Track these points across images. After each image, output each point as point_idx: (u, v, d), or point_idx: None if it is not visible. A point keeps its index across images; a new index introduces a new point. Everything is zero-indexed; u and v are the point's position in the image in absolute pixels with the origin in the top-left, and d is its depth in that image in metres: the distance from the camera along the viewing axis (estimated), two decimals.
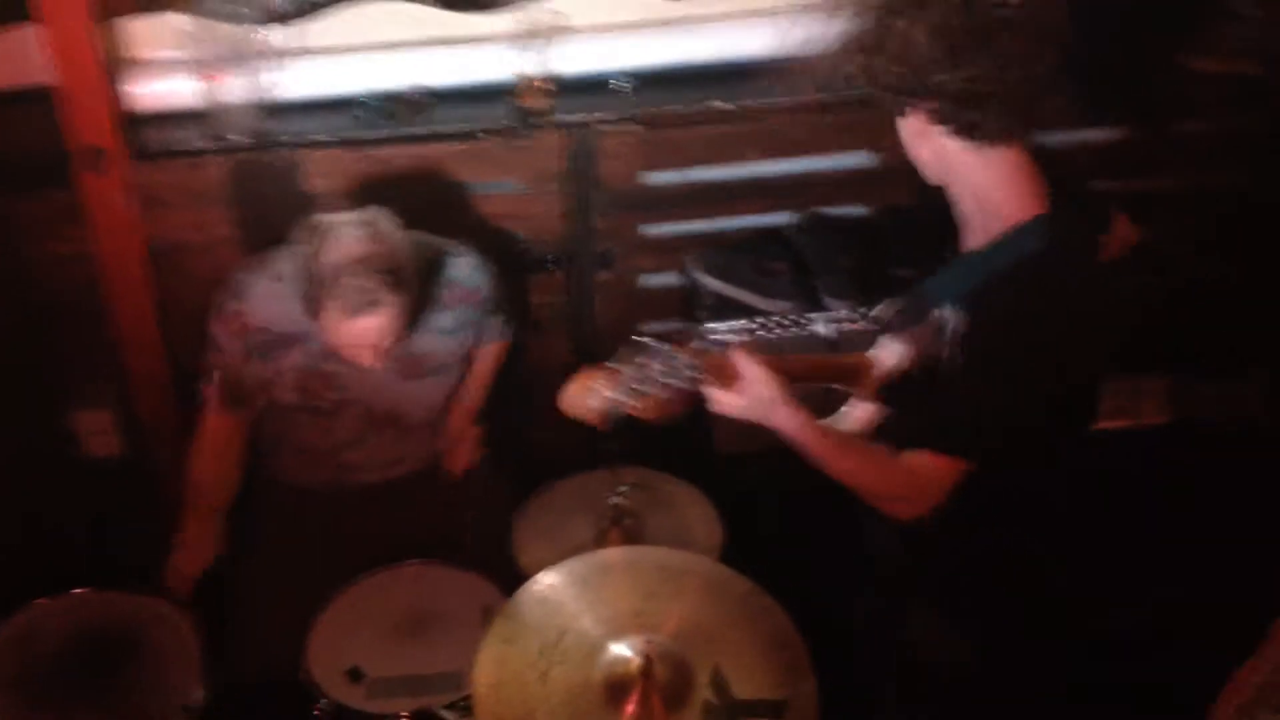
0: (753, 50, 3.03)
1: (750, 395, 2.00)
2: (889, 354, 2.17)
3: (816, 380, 2.22)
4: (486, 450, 2.90)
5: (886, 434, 2.14)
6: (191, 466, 2.66)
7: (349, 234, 2.34)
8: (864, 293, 2.96)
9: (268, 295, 2.53)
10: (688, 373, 1.93)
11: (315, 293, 2.35)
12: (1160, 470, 2.97)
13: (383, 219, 2.39)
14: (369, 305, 2.34)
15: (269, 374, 2.59)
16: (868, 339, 2.94)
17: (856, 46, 1.96)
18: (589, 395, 1.97)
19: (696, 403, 2.01)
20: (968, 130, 1.93)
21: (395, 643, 2.40)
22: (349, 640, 2.40)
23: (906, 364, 2.15)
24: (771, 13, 3.02)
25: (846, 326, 2.97)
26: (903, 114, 1.99)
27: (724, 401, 2.01)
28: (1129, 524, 2.61)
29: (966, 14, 1.88)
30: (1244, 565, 2.79)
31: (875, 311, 2.25)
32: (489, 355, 2.85)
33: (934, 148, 1.99)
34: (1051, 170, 2.03)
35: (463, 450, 2.82)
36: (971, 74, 1.88)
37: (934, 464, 1.97)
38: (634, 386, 1.93)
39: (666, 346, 1.94)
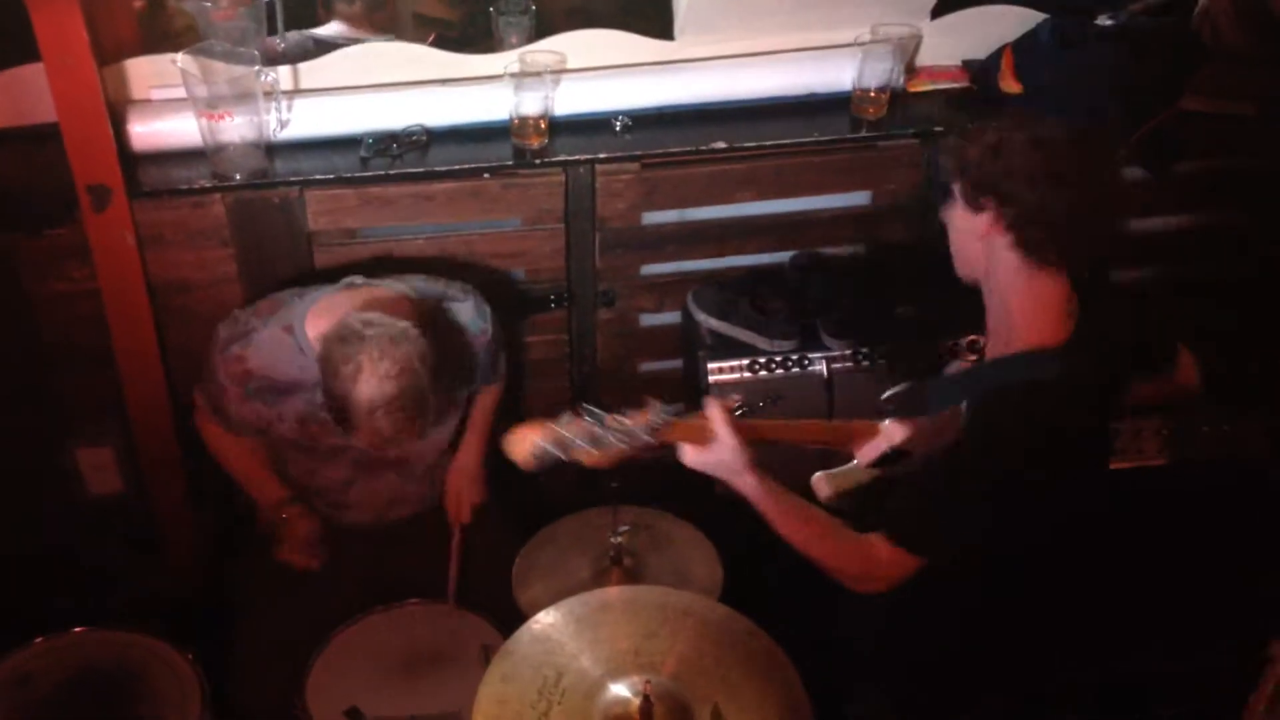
0: (749, 91, 3.06)
1: (717, 456, 2.10)
2: (895, 431, 2.20)
3: (807, 443, 2.25)
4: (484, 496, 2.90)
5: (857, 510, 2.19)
6: (229, 463, 2.73)
7: (378, 371, 2.33)
8: (862, 332, 2.97)
9: (274, 344, 2.54)
10: (644, 437, 2.05)
11: (346, 418, 2.38)
12: (1160, 512, 2.98)
13: (408, 341, 2.38)
14: (398, 436, 2.40)
15: (269, 416, 2.60)
16: (863, 379, 2.97)
17: (962, 137, 2.07)
18: (529, 450, 2.06)
19: (653, 453, 2.09)
20: (1028, 246, 1.99)
21: (394, 682, 2.40)
22: (348, 680, 2.40)
23: (904, 445, 2.19)
24: (767, 54, 3.06)
25: (843, 366, 2.98)
26: (976, 209, 2.05)
27: (692, 458, 2.12)
28: (1125, 566, 2.61)
29: (1075, 145, 1.96)
30: (1243, 610, 2.79)
31: (885, 395, 2.32)
32: (489, 398, 2.86)
33: (988, 249, 2.05)
34: (1116, 308, 2.12)
35: (467, 497, 2.82)
36: (1057, 198, 1.94)
37: (889, 552, 2.04)
38: (580, 444, 2.04)
39: (615, 418, 2.06)
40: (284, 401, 2.58)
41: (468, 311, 2.68)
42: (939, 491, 2.05)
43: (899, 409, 2.22)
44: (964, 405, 2.07)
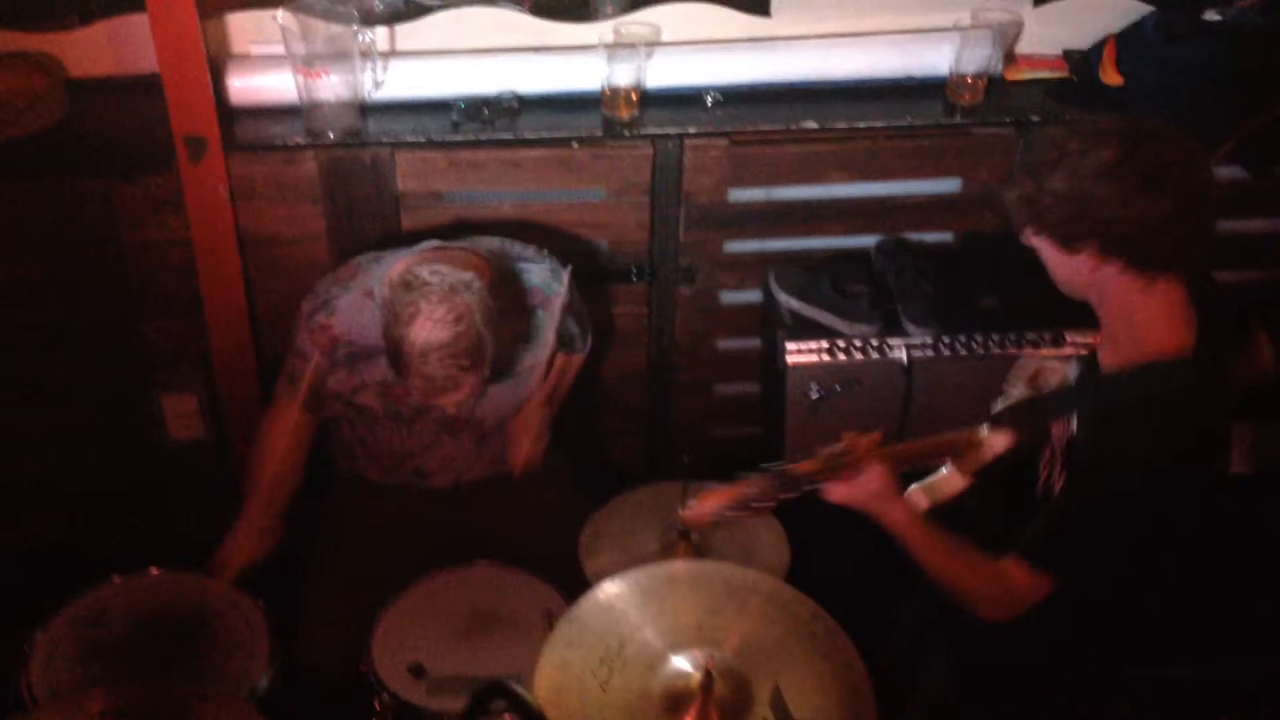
0: (843, 71, 3.03)
1: (865, 493, 2.10)
2: (998, 441, 2.18)
3: (932, 460, 2.23)
4: (560, 458, 2.91)
5: (980, 530, 2.15)
6: (258, 459, 2.69)
7: (434, 314, 2.34)
8: (945, 320, 2.94)
9: (355, 310, 2.57)
10: (807, 486, 2.12)
11: (399, 363, 2.39)
12: (1241, 523, 2.92)
13: (467, 290, 2.39)
14: (449, 387, 2.40)
15: (354, 383, 2.64)
16: (944, 368, 2.94)
17: (1024, 191, 2.00)
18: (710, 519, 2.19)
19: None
20: (1139, 263, 1.95)
21: (459, 641, 2.42)
22: (413, 636, 2.42)
23: (1007, 452, 2.17)
24: (863, 34, 3.03)
25: (924, 354, 2.95)
26: (1072, 252, 1.99)
27: (838, 494, 2.13)
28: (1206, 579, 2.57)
29: (1135, 153, 1.90)
30: None
31: (997, 410, 2.27)
32: (567, 364, 2.87)
33: (1095, 279, 2.00)
34: (1201, 291, 2.05)
35: (525, 442, 2.77)
36: (1150, 207, 1.90)
37: (1027, 576, 2.02)
38: (753, 505, 2.15)
39: (785, 470, 2.13)
40: (367, 368, 2.61)
41: (541, 273, 2.69)
42: (1072, 512, 2.02)
43: (1015, 422, 2.18)
44: (1075, 418, 2.04)
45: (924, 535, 2.09)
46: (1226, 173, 3.05)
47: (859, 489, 2.10)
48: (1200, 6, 2.98)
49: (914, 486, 2.20)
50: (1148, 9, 3.00)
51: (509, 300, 2.58)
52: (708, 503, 2.16)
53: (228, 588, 2.50)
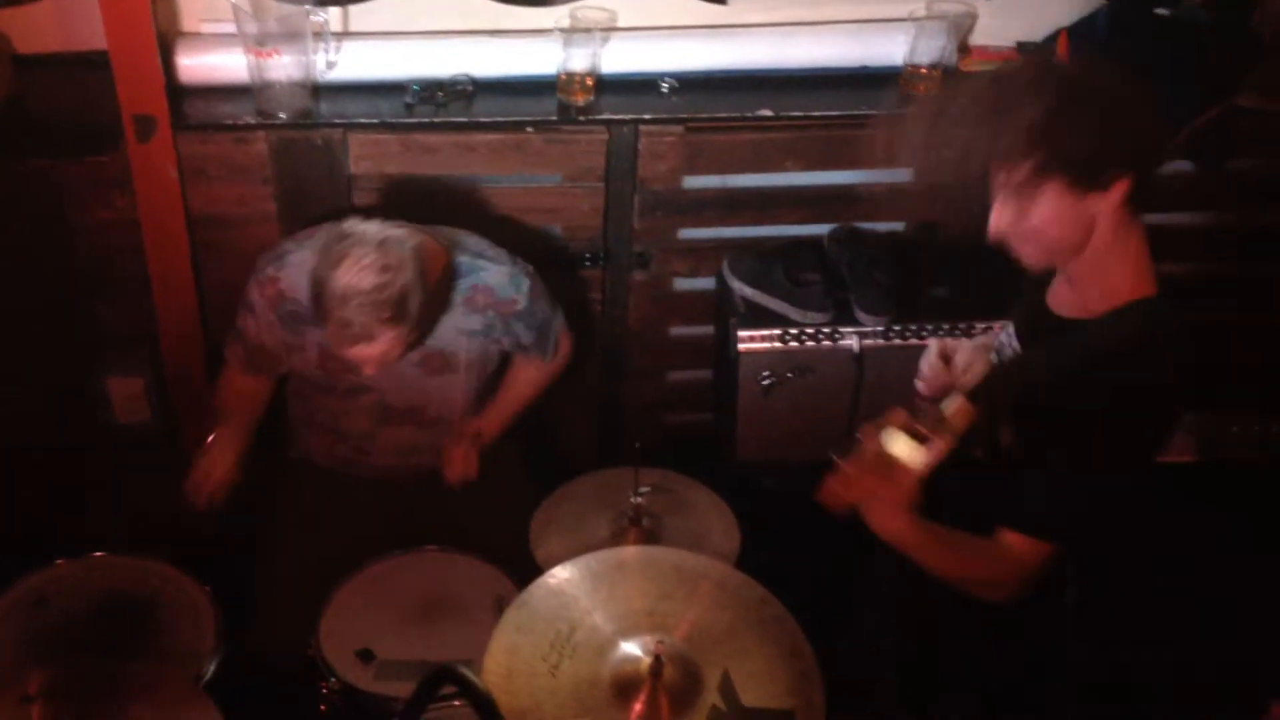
0: (799, 60, 3.04)
1: (893, 494, 1.94)
2: (958, 419, 2.00)
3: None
4: (511, 444, 2.91)
5: (964, 511, 2.08)
6: (219, 410, 2.73)
7: (363, 260, 2.33)
8: (897, 309, 2.96)
9: (307, 268, 2.55)
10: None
11: (320, 305, 2.37)
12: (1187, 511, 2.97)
13: (402, 243, 2.38)
14: (363, 337, 2.37)
15: (294, 343, 2.63)
16: (894, 356, 2.96)
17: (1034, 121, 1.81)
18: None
19: None
20: (1145, 195, 1.87)
21: (408, 626, 2.41)
22: (362, 621, 2.42)
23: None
24: (820, 23, 3.03)
25: (875, 342, 2.97)
26: (1085, 193, 1.84)
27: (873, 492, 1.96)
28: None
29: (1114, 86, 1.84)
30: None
31: (964, 382, 2.12)
32: (529, 370, 2.84)
33: (1092, 217, 1.88)
34: None
35: (458, 456, 2.75)
36: (1157, 130, 1.88)
37: (1024, 547, 1.98)
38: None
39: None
40: (308, 331, 2.60)
41: (499, 275, 2.65)
42: (1069, 474, 1.96)
43: (991, 392, 2.11)
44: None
45: (926, 537, 1.97)
46: (1177, 167, 3.09)
47: (886, 493, 1.93)
48: (1152, 1, 3.01)
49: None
50: (1100, 3, 3.02)
51: (443, 290, 2.57)
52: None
53: (173, 570, 2.47)
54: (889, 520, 1.95)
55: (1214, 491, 3.11)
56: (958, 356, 2.24)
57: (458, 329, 2.65)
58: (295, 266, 2.57)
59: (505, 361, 2.83)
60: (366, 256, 2.34)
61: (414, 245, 2.41)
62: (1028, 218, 1.87)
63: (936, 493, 2.01)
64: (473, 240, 2.67)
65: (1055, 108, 1.78)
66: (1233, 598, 2.90)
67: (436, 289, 2.52)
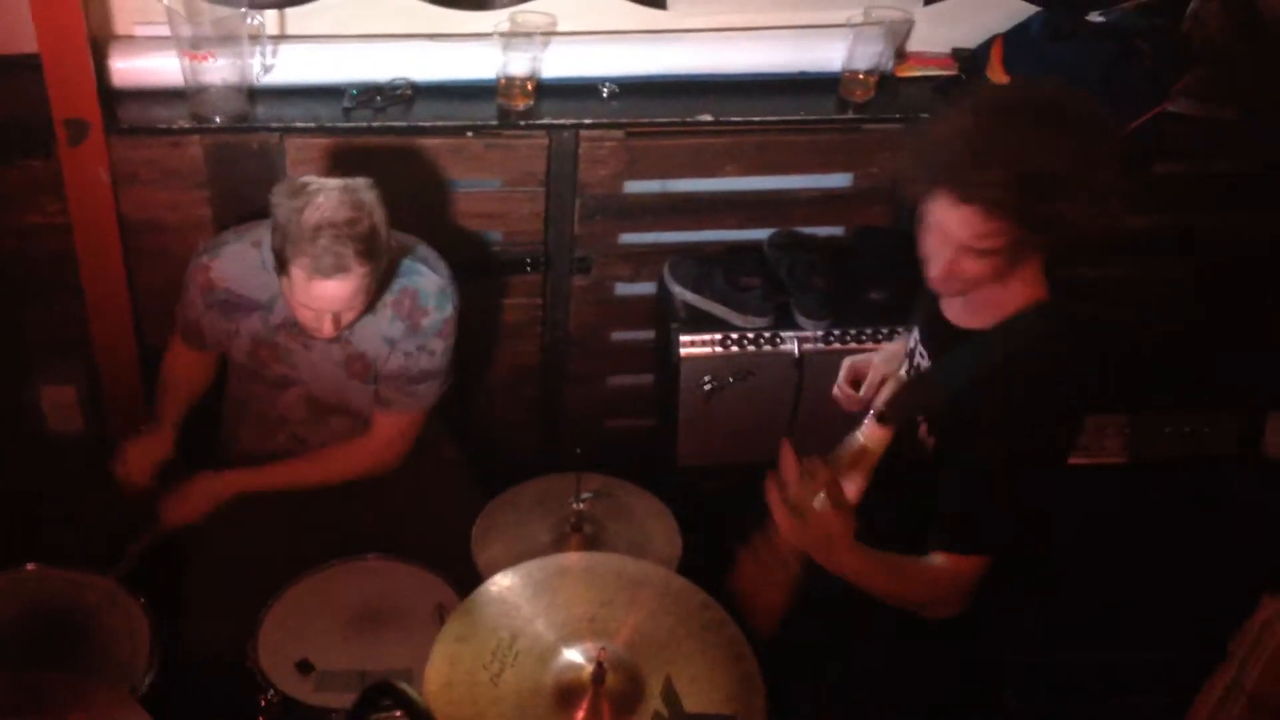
0: (738, 65, 3.05)
1: (816, 536, 1.94)
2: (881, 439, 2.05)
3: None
4: (452, 449, 2.89)
5: (895, 533, 2.10)
6: (161, 376, 2.73)
7: (333, 198, 2.34)
8: (836, 313, 2.97)
9: (239, 258, 2.56)
10: None
11: (287, 249, 2.35)
12: (1119, 510, 3.02)
13: (367, 189, 2.39)
14: (338, 269, 2.34)
15: (227, 329, 2.62)
16: (835, 360, 2.97)
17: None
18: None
19: None
20: (1061, 261, 1.98)
21: (348, 636, 2.39)
22: (301, 631, 2.39)
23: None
24: (759, 29, 3.05)
25: (815, 346, 2.99)
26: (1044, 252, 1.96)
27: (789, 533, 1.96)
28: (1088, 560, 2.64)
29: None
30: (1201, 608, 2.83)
31: (882, 402, 2.16)
32: (378, 424, 2.73)
33: (1007, 266, 1.96)
34: None
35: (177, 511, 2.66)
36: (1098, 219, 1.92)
37: (960, 564, 2.01)
38: None
39: None
40: (240, 319, 2.59)
41: (432, 283, 2.62)
42: (993, 478, 1.99)
43: (901, 413, 2.13)
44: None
45: (872, 567, 1.98)
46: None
47: (816, 534, 1.92)
48: (1085, 8, 3.05)
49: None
50: (1034, 10, 3.06)
51: (389, 283, 2.57)
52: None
53: (107, 582, 2.43)
54: (841, 561, 1.95)
55: (1147, 492, 3.16)
56: (869, 375, 2.28)
57: (381, 335, 2.62)
58: (229, 258, 2.56)
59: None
60: (336, 195, 2.34)
61: (376, 193, 2.40)
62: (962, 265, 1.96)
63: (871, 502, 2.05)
64: (424, 249, 2.66)
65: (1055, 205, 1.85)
66: (1168, 596, 2.95)
67: (390, 263, 2.51)
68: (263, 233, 2.52)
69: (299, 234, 2.32)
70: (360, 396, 2.70)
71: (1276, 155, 3.13)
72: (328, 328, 2.47)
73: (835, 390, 2.35)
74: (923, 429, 2.13)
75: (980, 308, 2.06)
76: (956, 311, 2.12)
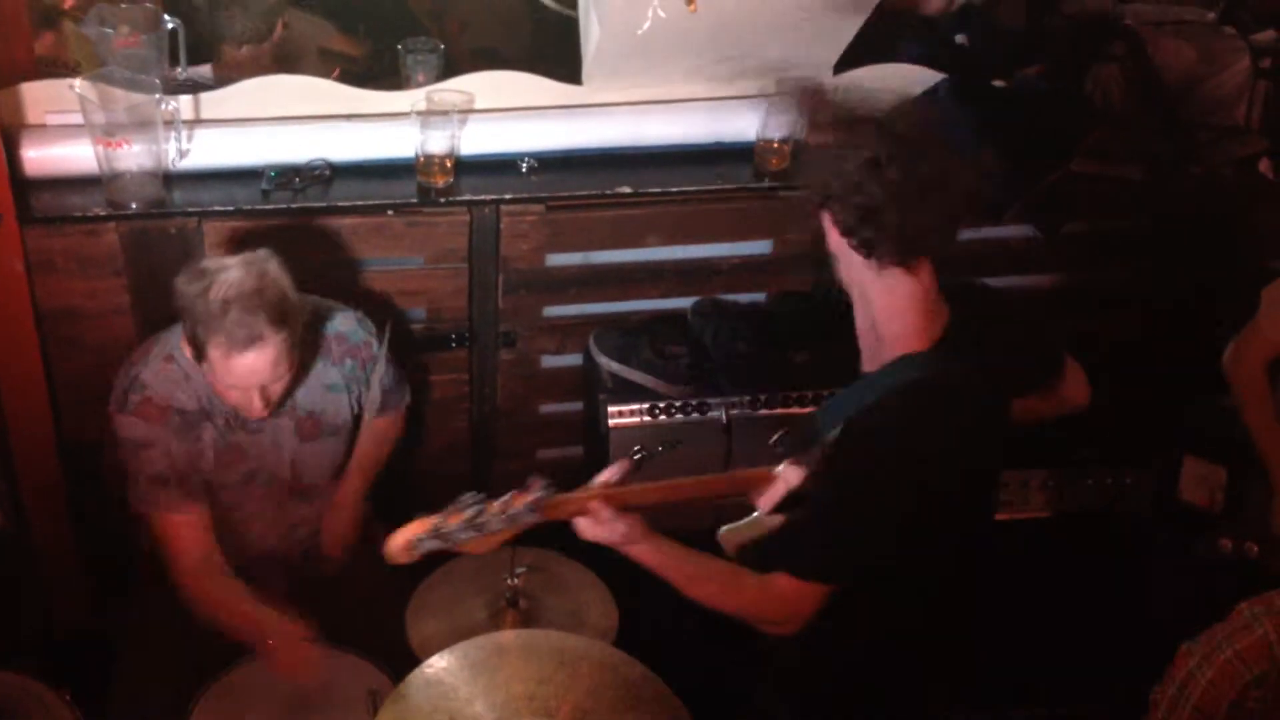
0: (655, 137, 3.09)
1: (609, 529, 2.10)
2: (791, 474, 2.20)
3: (708, 499, 2.25)
4: (381, 527, 2.86)
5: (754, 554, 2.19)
6: (207, 599, 2.50)
7: (235, 274, 2.34)
8: (760, 379, 3.00)
9: (163, 377, 2.51)
10: (527, 518, 2.07)
11: (200, 333, 2.34)
12: (1043, 562, 3.05)
13: (268, 260, 2.39)
14: (253, 340, 2.33)
15: (196, 450, 2.55)
16: (762, 426, 3.00)
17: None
18: (410, 549, 2.10)
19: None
20: (865, 246, 2.01)
21: None
22: None
23: (800, 484, 2.19)
24: (674, 101, 3.09)
25: (742, 412, 3.01)
26: (818, 211, 2.07)
27: (587, 532, 2.12)
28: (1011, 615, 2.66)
29: (876, 142, 1.98)
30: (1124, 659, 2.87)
31: (775, 437, 2.29)
32: (381, 426, 2.82)
33: (844, 257, 2.07)
34: (991, 310, 2.15)
35: (340, 545, 2.74)
36: (867, 195, 1.96)
37: (795, 587, 2.04)
38: (461, 535, 2.06)
39: (497, 502, 2.06)
40: (199, 434, 2.54)
41: (348, 322, 2.68)
42: (827, 513, 2.06)
43: (791, 447, 2.23)
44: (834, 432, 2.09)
45: (677, 566, 2.11)
46: (1018, 231, 3.21)
47: (600, 528, 2.10)
48: (990, 74, 3.14)
49: (722, 530, 2.24)
50: (940, 76, 3.14)
51: (311, 336, 2.57)
52: (406, 532, 2.10)
53: (31, 682, 2.37)
54: (631, 551, 2.10)
55: (1069, 543, 3.21)
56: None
57: (323, 385, 2.64)
58: (153, 381, 2.51)
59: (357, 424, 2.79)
60: (236, 271, 2.34)
61: (277, 261, 2.40)
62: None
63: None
64: (313, 297, 2.65)
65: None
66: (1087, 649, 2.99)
67: (306, 331, 2.50)
68: (167, 346, 2.52)
69: (208, 314, 2.31)
70: (311, 459, 2.68)
71: (1174, 209, 3.23)
72: (257, 406, 2.45)
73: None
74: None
75: (870, 354, 2.13)
76: (864, 362, 2.18)
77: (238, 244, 2.79)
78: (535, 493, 2.07)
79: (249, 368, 2.37)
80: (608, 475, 2.16)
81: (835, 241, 2.06)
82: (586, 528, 2.12)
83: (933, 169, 1.98)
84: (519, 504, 2.06)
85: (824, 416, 2.18)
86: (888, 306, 2.06)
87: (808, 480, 2.17)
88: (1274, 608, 1.80)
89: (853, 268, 2.06)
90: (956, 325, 2.09)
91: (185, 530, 2.55)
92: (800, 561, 2.05)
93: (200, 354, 2.38)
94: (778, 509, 2.21)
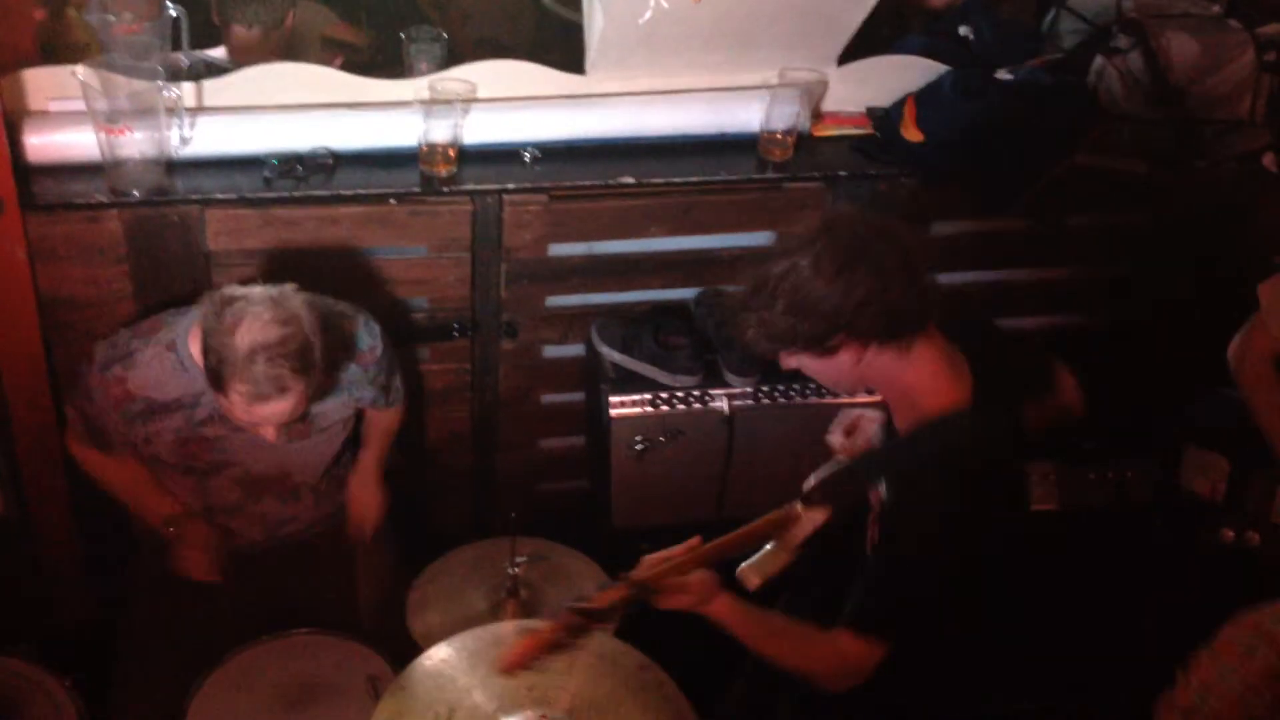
0: (658, 128, 3.08)
1: (689, 599, 2.04)
2: (814, 516, 2.19)
3: (750, 546, 2.23)
4: (384, 517, 2.87)
5: (806, 605, 2.19)
6: (108, 480, 2.64)
7: (261, 317, 2.29)
8: (764, 370, 3.00)
9: (154, 365, 2.49)
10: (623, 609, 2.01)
11: (223, 372, 2.30)
12: (1046, 555, 3.05)
13: (293, 298, 2.35)
14: (278, 391, 2.31)
15: (142, 435, 2.55)
16: (763, 417, 3.00)
17: (756, 333, 2.06)
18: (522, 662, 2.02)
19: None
20: (888, 336, 2.00)
21: (278, 716, 2.35)
22: (231, 712, 2.34)
23: (824, 525, 2.19)
24: (677, 92, 3.09)
25: (744, 403, 3.01)
26: (830, 355, 2.02)
27: (665, 605, 2.05)
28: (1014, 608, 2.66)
29: (831, 240, 1.97)
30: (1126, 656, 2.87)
31: (811, 483, 2.26)
32: (386, 418, 2.82)
33: (862, 368, 2.04)
34: (989, 342, 2.15)
35: (370, 513, 2.75)
36: (877, 284, 1.95)
37: (861, 647, 2.04)
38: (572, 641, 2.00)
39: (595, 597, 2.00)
40: (161, 421, 2.53)
41: (353, 327, 2.66)
42: (893, 575, 2.06)
43: (828, 495, 2.20)
44: (881, 486, 2.10)
45: (751, 624, 2.08)
46: (1021, 224, 3.21)
47: (683, 598, 2.04)
48: (994, 66, 3.13)
49: (742, 567, 2.18)
50: (944, 69, 3.13)
51: (327, 328, 2.53)
52: (518, 652, 2.01)
53: (32, 669, 2.38)
54: (708, 612, 2.03)
55: (1071, 535, 3.21)
56: (859, 432, 2.32)
57: (324, 393, 2.61)
58: (144, 366, 2.49)
59: (358, 419, 2.79)
60: (265, 313, 2.30)
61: (304, 299, 2.38)
62: (803, 368, 2.09)
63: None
64: (315, 298, 2.64)
65: (771, 311, 2.02)
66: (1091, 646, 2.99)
67: (332, 346, 2.48)
68: (173, 333, 2.49)
69: (233, 359, 2.28)
70: (298, 461, 2.67)
71: (1178, 203, 3.23)
72: (273, 436, 2.45)
73: (833, 436, 2.40)
74: (876, 531, 2.17)
75: (902, 413, 2.13)
76: (896, 417, 2.18)
77: (240, 234, 2.79)
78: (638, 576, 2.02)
79: (271, 413, 2.36)
80: (685, 546, 2.10)
81: (852, 360, 2.03)
82: (669, 600, 2.04)
83: (894, 248, 1.99)
84: (619, 594, 2.00)
85: (865, 470, 2.19)
86: (918, 378, 2.06)
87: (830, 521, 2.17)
88: (1268, 632, 1.80)
89: (871, 365, 2.04)
90: (978, 370, 2.10)
91: (87, 453, 2.66)
92: (862, 619, 2.05)
93: (219, 388, 2.34)
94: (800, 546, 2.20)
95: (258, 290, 2.33)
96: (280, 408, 2.34)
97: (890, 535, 2.05)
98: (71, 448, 2.69)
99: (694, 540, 2.10)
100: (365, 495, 2.76)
